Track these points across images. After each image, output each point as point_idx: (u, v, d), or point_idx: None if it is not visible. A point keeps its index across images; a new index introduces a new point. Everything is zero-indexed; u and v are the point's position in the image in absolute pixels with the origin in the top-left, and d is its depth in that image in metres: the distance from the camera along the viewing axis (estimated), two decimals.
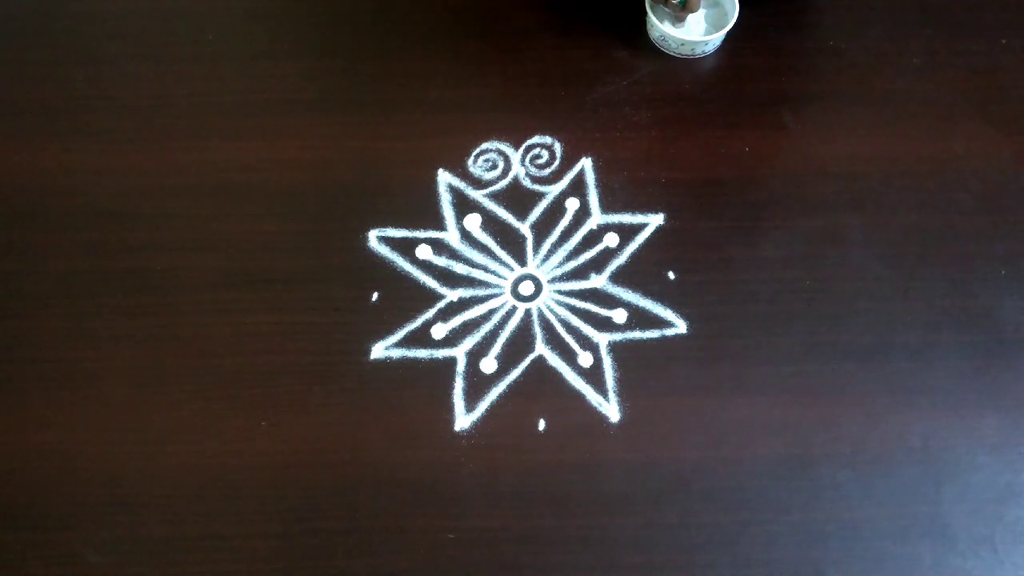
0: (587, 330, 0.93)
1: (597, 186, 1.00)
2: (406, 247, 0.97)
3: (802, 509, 0.86)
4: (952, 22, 1.11)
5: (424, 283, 0.95)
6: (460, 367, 0.91)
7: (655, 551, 0.84)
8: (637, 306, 0.94)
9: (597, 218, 0.99)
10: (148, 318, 0.94)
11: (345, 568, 0.83)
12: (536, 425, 0.89)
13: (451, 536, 0.84)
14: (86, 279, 0.96)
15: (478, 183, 1.01)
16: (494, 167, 1.02)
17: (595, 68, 1.07)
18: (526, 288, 0.96)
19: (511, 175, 1.01)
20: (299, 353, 0.92)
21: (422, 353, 0.92)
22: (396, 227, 0.98)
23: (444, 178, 1.01)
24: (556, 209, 0.99)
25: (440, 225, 0.99)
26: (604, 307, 0.94)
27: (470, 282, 0.96)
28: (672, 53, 1.08)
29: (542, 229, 0.98)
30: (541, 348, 0.92)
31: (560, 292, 0.95)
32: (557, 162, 1.02)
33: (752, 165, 1.02)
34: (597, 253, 0.97)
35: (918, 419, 0.89)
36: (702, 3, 1.09)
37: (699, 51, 1.07)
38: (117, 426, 0.89)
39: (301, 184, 1.00)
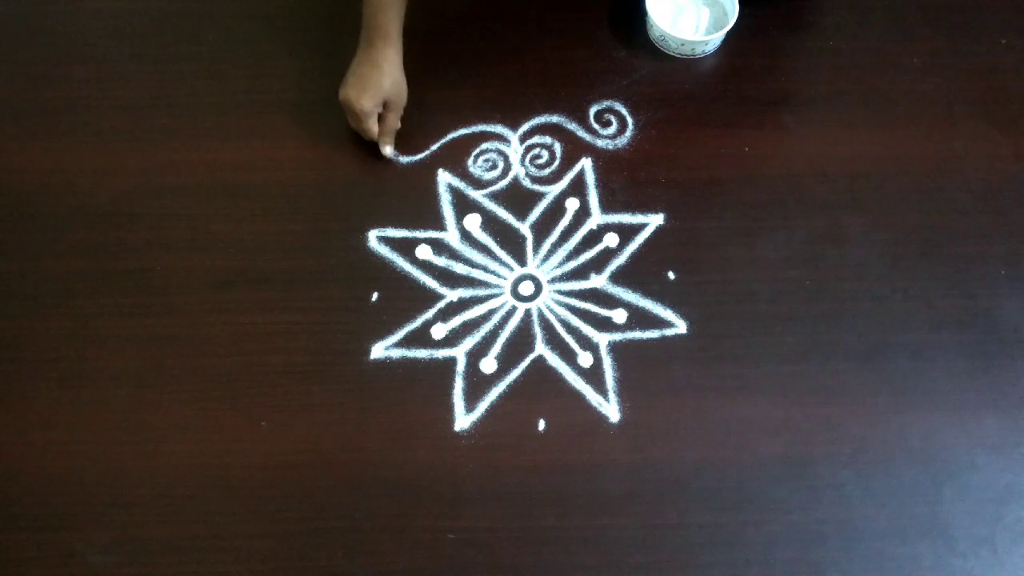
0: (587, 330, 0.93)
1: (597, 186, 1.00)
2: (406, 247, 0.97)
3: (802, 509, 0.86)
4: (952, 22, 1.11)
5: (424, 283, 0.95)
6: (460, 367, 0.91)
7: (655, 551, 0.84)
8: (637, 306, 0.94)
9: (597, 218, 0.99)
10: (148, 318, 0.94)
11: (345, 568, 0.83)
12: (536, 425, 0.89)
13: (451, 536, 0.84)
14: (86, 279, 0.96)
15: (478, 183, 1.01)
16: (494, 167, 1.02)
17: (595, 68, 1.07)
18: (526, 288, 0.96)
19: (511, 175, 1.01)
20: (299, 353, 0.92)
21: (422, 353, 0.92)
22: (396, 227, 0.98)
23: (444, 178, 1.01)
24: (556, 209, 0.99)
25: (440, 225, 0.99)
26: (604, 307, 0.94)
27: (470, 282, 0.96)
28: (672, 53, 1.08)
29: (542, 229, 0.98)
30: (541, 348, 0.92)
31: (560, 292, 0.95)
32: (557, 162, 1.02)
33: (752, 165, 1.02)
34: (597, 253, 0.97)
35: (918, 419, 0.89)
36: (703, 3, 1.09)
37: (699, 51, 1.07)
38: (117, 426, 0.89)
39: (301, 184, 1.01)
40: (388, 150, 1.00)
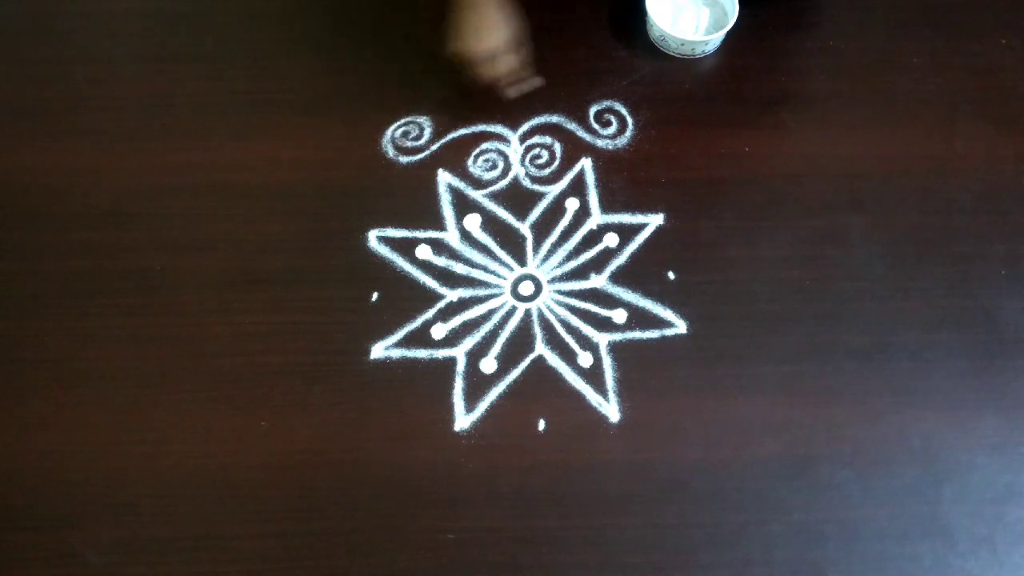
0: (587, 330, 0.93)
1: (597, 186, 1.00)
2: (406, 247, 0.97)
3: (802, 509, 0.86)
4: (952, 22, 1.11)
5: (424, 283, 0.95)
6: (460, 367, 0.91)
7: (655, 551, 0.84)
8: (637, 306, 0.94)
9: (597, 218, 0.99)
10: (148, 318, 0.94)
11: (345, 568, 0.83)
12: (536, 425, 0.89)
13: (451, 536, 0.84)
14: (86, 279, 0.96)
15: (478, 183, 1.01)
16: (494, 167, 1.02)
17: (595, 68, 1.07)
18: (526, 288, 0.96)
19: (511, 175, 1.01)
20: (299, 353, 0.92)
21: (422, 353, 0.92)
22: (396, 227, 0.98)
23: (444, 178, 1.01)
24: (556, 209, 0.99)
25: (440, 225, 0.99)
26: (604, 307, 0.94)
27: (470, 282, 0.96)
28: (672, 53, 1.08)
29: (542, 229, 0.98)
30: (541, 348, 0.92)
31: (560, 292, 0.95)
32: (557, 162, 1.02)
33: (752, 165, 1.02)
34: (597, 253, 0.97)
35: (918, 419, 0.89)
36: (703, 3, 1.09)
37: (699, 51, 1.07)
38: (117, 426, 0.89)
39: (301, 184, 1.01)
40: (535, 81, 1.00)
